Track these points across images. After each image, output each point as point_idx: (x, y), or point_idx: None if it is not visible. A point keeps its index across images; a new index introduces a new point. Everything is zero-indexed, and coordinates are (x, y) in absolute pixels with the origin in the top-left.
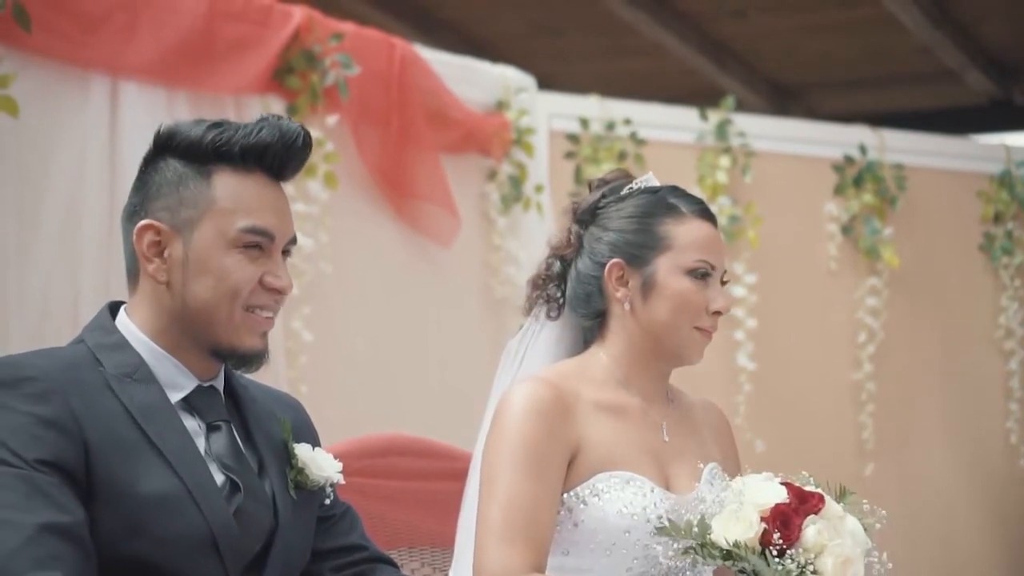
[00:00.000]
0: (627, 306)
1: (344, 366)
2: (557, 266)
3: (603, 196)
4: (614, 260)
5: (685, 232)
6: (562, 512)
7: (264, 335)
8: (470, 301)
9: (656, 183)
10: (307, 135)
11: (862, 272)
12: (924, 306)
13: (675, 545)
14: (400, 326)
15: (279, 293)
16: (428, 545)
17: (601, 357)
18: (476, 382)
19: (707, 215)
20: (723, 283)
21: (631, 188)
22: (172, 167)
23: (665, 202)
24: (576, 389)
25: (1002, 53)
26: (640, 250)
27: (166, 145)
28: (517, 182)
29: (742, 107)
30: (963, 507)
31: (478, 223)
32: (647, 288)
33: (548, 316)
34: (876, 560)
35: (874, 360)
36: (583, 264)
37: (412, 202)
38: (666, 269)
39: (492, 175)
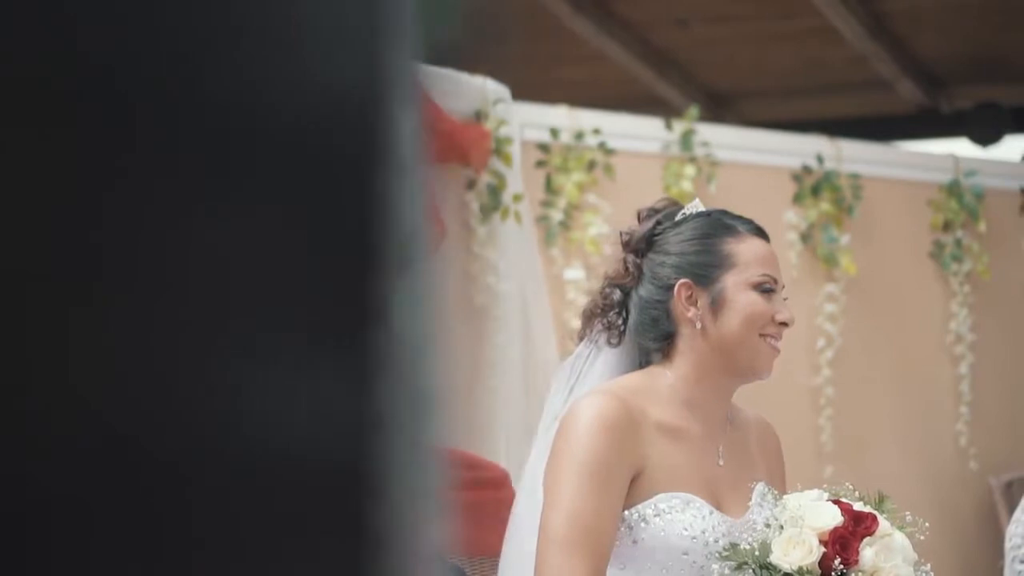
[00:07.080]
0: (698, 324)
1: None
2: (617, 295)
3: (657, 223)
4: (683, 280)
5: (747, 249)
6: (622, 528)
7: None
8: (449, 310)
9: (703, 207)
10: None
11: (820, 279)
12: (879, 312)
13: (730, 563)
14: None
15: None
16: (456, 553)
17: (667, 376)
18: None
19: (762, 233)
20: (783, 299)
21: (684, 213)
22: None
23: (722, 223)
24: (642, 406)
25: (932, 65)
26: (706, 269)
27: None
28: (496, 191)
29: (680, 114)
30: (917, 507)
31: (458, 232)
32: (717, 305)
33: (609, 343)
34: (923, 573)
35: (832, 365)
36: (646, 290)
37: None
38: (734, 285)
39: (471, 184)
